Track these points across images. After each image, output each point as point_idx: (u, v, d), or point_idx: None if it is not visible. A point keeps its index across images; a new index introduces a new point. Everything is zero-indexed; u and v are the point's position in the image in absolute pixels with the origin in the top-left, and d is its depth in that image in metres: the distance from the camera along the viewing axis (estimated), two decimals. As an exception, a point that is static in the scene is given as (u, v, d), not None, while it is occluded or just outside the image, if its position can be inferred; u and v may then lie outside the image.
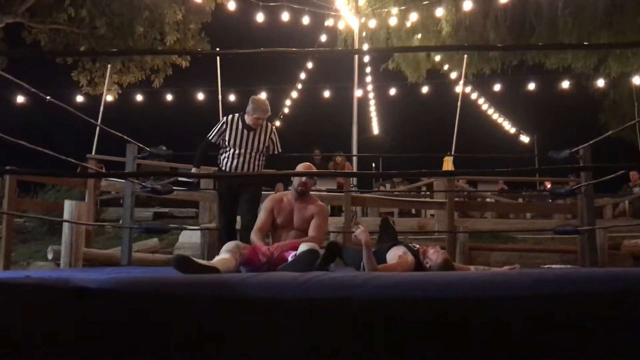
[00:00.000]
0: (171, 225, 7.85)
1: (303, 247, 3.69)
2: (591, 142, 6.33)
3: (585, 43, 10.47)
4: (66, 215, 5.68)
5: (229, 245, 3.78)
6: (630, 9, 10.32)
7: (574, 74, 13.72)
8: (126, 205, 6.00)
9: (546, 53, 12.04)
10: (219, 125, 5.23)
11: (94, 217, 7.76)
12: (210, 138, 5.25)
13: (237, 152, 5.16)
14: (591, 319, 1.82)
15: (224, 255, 3.62)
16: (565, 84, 14.85)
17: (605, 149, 7.26)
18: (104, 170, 9.41)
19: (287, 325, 1.68)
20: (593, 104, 16.42)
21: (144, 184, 5.83)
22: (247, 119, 5.17)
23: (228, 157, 5.22)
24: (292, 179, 4.29)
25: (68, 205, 5.72)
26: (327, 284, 1.73)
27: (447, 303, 1.66)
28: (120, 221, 6.65)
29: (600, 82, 14.30)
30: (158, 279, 1.90)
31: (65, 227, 5.66)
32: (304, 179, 4.19)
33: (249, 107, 5.15)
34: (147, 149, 5.97)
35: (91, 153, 8.50)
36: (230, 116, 5.27)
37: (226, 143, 5.19)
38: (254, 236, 4.11)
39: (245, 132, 5.16)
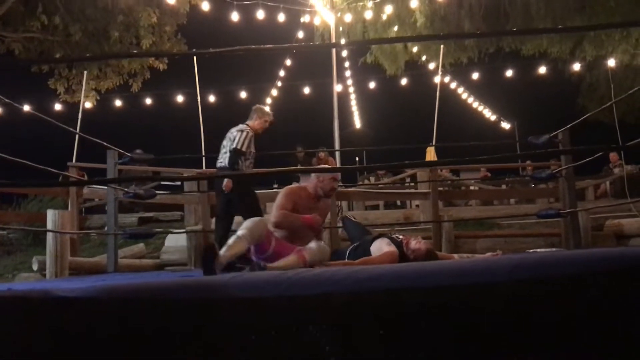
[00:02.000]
0: (156, 229, 7.83)
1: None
2: (569, 125, 6.41)
3: (559, 27, 10.57)
4: (49, 225, 5.65)
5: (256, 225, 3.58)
6: (602, -8, 10.46)
7: (550, 59, 13.85)
8: (110, 212, 5.96)
9: (522, 39, 12.15)
10: (246, 135, 5.61)
11: (78, 225, 7.70)
12: (244, 149, 5.56)
13: (253, 157, 5.72)
14: (573, 301, 1.85)
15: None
16: (543, 70, 14.98)
17: (585, 132, 7.33)
18: (85, 178, 9.34)
19: (273, 323, 1.70)
20: (571, 88, 16.61)
21: (126, 189, 5.80)
22: (257, 125, 5.76)
23: (252, 163, 5.75)
24: (317, 178, 4.10)
25: (51, 214, 5.69)
26: (308, 281, 1.74)
27: (427, 293, 1.69)
28: (105, 228, 6.62)
29: (577, 66, 14.46)
30: (140, 285, 1.90)
31: (49, 236, 5.63)
32: (336, 185, 4.14)
33: (259, 114, 5.84)
34: (128, 154, 5.94)
35: (72, 161, 8.41)
36: (246, 126, 5.73)
37: (250, 150, 5.64)
38: (285, 216, 3.87)
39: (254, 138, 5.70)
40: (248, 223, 3.56)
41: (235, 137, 5.58)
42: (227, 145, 5.68)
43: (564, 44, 12.26)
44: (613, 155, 11.76)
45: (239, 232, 3.49)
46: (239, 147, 5.49)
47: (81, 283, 2.27)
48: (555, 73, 15.13)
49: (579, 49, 12.65)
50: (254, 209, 5.31)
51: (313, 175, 4.21)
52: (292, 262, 3.43)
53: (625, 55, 12.87)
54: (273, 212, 3.96)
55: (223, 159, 5.70)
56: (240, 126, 5.73)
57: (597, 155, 6.77)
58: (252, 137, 5.65)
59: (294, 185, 4.36)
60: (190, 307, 1.73)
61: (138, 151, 6.16)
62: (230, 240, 3.46)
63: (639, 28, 10.89)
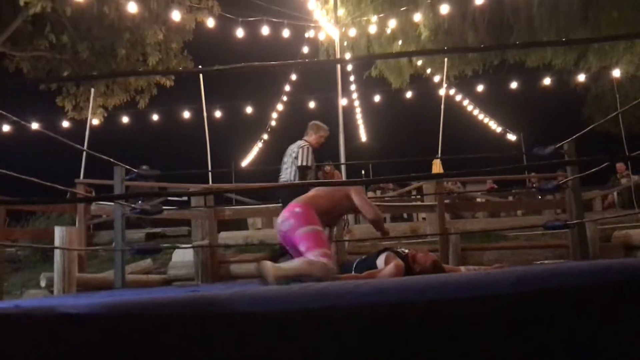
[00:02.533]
0: (163, 244, 7.85)
1: None
2: (575, 136, 6.41)
3: (563, 39, 10.59)
4: (57, 242, 5.68)
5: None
6: (606, 3, 10.46)
7: (555, 71, 13.86)
8: (117, 228, 5.99)
9: (526, 51, 12.17)
10: (307, 151, 5.87)
11: (85, 242, 7.74)
12: (309, 164, 5.81)
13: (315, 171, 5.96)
14: (578, 313, 1.84)
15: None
16: (547, 81, 15.01)
17: (591, 142, 7.31)
18: (92, 195, 9.39)
19: (274, 339, 1.70)
20: (576, 99, 16.59)
21: (133, 205, 5.83)
22: (313, 140, 6.01)
23: (315, 177, 6.01)
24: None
25: (58, 231, 5.72)
26: (311, 295, 1.75)
27: (431, 306, 1.69)
28: (113, 244, 6.64)
29: (582, 77, 14.46)
30: (145, 301, 1.91)
31: (57, 253, 5.66)
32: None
33: (315, 130, 6.10)
34: (135, 170, 5.98)
35: (79, 177, 8.48)
36: (305, 142, 5.98)
37: (313, 164, 5.91)
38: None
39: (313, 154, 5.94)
40: (315, 264, 3.43)
41: (297, 154, 5.85)
42: (288, 162, 5.94)
43: (568, 55, 12.26)
44: (620, 166, 11.72)
45: (309, 259, 3.44)
46: (304, 163, 5.77)
47: (88, 299, 2.29)
48: (560, 84, 15.14)
49: (583, 60, 12.65)
50: None
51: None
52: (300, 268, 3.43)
53: (630, 65, 12.86)
54: (367, 206, 4.02)
55: (286, 175, 5.99)
56: (300, 142, 5.99)
57: (604, 165, 6.75)
58: (312, 151, 5.92)
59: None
60: (196, 322, 1.74)
61: (144, 167, 6.21)
62: (297, 262, 3.49)
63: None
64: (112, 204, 6.64)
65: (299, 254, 3.57)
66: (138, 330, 1.80)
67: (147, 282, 6.96)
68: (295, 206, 3.72)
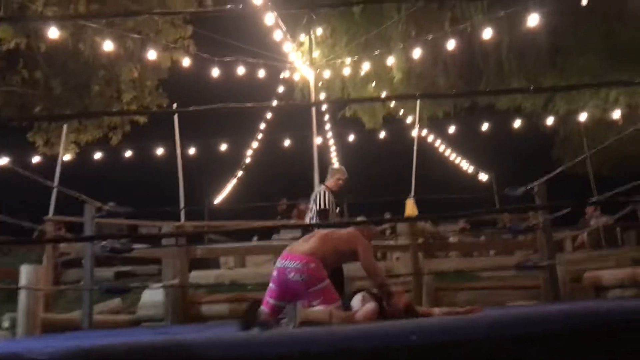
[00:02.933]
0: (133, 284, 7.69)
1: None
2: (545, 178, 6.56)
3: (531, 87, 10.90)
4: (23, 281, 5.53)
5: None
6: (572, 49, 10.83)
7: (524, 113, 14.21)
8: (86, 267, 5.89)
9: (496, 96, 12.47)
10: (324, 195, 6.21)
11: (53, 280, 7.54)
12: (327, 207, 6.11)
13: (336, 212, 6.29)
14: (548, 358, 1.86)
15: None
16: (517, 123, 15.36)
17: (560, 183, 7.48)
18: (62, 231, 9.20)
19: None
20: (545, 141, 16.96)
21: (103, 243, 5.74)
22: (332, 184, 6.38)
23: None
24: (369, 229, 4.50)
25: (25, 270, 5.59)
26: (286, 341, 1.72)
27: (407, 351, 1.68)
28: (81, 282, 6.48)
29: (550, 120, 14.85)
30: (112, 346, 1.86)
31: (22, 293, 5.50)
32: None
33: (332, 174, 6.49)
34: (106, 207, 5.91)
35: (49, 214, 8.31)
36: (324, 186, 6.39)
37: (331, 208, 6.15)
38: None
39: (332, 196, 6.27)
40: (336, 317, 3.55)
41: (317, 198, 6.19)
42: (312, 207, 6.28)
43: (537, 99, 12.61)
44: (589, 207, 11.95)
45: (332, 310, 3.58)
46: (322, 207, 6.07)
47: (53, 343, 2.21)
48: (529, 126, 15.48)
49: (551, 103, 13.01)
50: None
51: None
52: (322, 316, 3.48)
53: (596, 110, 13.28)
54: (374, 268, 4.09)
55: (309, 218, 6.40)
56: (319, 187, 6.45)
57: (573, 207, 6.89)
58: (329, 194, 6.24)
59: (360, 234, 4.34)
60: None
61: (111, 204, 6.17)
62: (319, 309, 3.59)
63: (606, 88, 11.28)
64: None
65: (296, 299, 3.64)
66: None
67: (115, 323, 6.79)
68: (308, 260, 3.73)
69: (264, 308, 3.78)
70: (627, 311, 1.95)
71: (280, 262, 3.86)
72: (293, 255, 3.83)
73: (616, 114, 13.37)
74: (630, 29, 10.21)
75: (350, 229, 4.26)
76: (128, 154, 15.75)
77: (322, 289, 3.68)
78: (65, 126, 10.50)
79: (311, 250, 3.84)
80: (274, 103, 11.84)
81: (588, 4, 9.66)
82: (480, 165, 17.78)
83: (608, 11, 10.08)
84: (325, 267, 3.84)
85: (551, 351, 1.84)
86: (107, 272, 9.88)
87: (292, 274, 3.71)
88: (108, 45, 9.91)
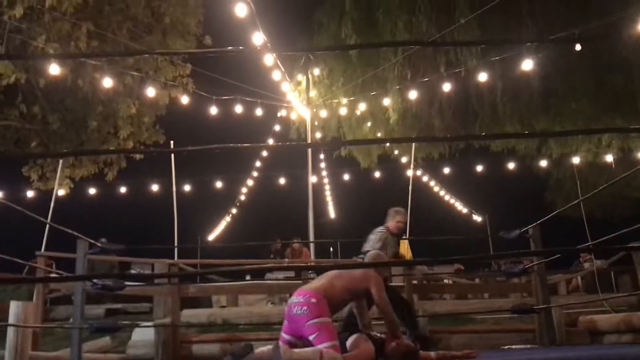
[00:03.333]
0: (123, 322, 7.57)
1: None
2: (539, 221, 6.57)
3: (525, 132, 11.04)
4: (11, 318, 5.43)
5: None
6: (565, 94, 11.02)
7: (518, 155, 14.36)
8: (76, 304, 5.80)
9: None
10: (380, 237, 6.25)
11: (42, 317, 7.42)
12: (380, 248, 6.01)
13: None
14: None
15: None
16: (511, 165, 15.53)
17: (554, 226, 7.51)
18: (53, 267, 9.10)
19: None
20: (539, 183, 17.11)
21: (94, 280, 5.66)
22: (391, 226, 6.46)
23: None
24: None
25: (14, 307, 5.49)
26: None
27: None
28: (70, 320, 6.37)
29: (544, 163, 15.01)
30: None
31: (10, 330, 5.40)
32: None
33: (393, 216, 6.52)
34: (99, 244, 5.86)
35: (41, 249, 8.23)
36: (384, 228, 6.44)
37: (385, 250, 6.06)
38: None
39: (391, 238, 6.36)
40: (325, 356, 3.60)
41: (371, 239, 6.27)
42: (365, 246, 6.28)
43: (531, 142, 12.76)
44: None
45: (320, 349, 3.61)
46: (369, 248, 6.03)
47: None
48: (523, 168, 15.65)
49: (545, 146, 13.18)
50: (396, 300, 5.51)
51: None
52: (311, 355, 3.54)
53: (589, 153, 13.45)
54: (387, 307, 4.17)
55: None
56: (378, 229, 6.44)
57: (568, 251, 6.89)
58: (386, 237, 6.28)
59: (374, 272, 4.37)
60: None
61: (103, 240, 6.12)
62: (309, 351, 3.63)
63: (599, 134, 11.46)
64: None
65: (300, 339, 3.79)
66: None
67: (104, 362, 6.66)
68: (311, 295, 3.86)
69: (281, 343, 3.81)
70: (625, 357, 1.94)
71: (290, 299, 4.04)
72: (300, 291, 3.98)
73: (609, 158, 13.54)
74: (620, 75, 10.42)
75: (366, 270, 4.33)
76: (123, 190, 15.76)
77: (320, 324, 3.72)
78: (60, 161, 10.50)
79: (317, 287, 3.96)
80: (270, 142, 11.92)
81: (579, 52, 9.89)
82: (474, 206, 17.84)
83: (599, 58, 10.30)
84: (331, 305, 3.91)
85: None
86: (98, 310, 9.72)
87: (296, 308, 3.84)
88: (107, 82, 10.01)
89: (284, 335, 3.93)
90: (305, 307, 3.79)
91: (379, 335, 3.99)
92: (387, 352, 3.80)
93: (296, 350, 3.64)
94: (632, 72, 10.26)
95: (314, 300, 3.82)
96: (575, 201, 7.87)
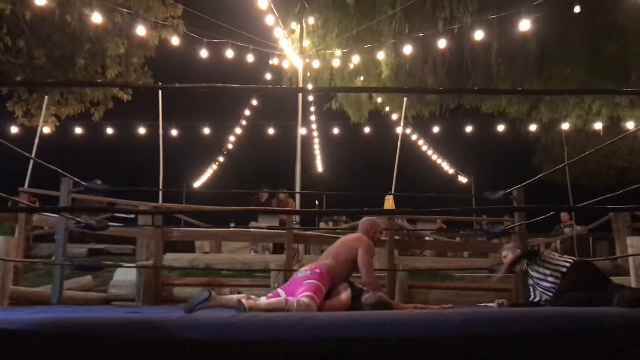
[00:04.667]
0: (106, 262, 7.60)
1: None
2: (524, 183, 6.61)
3: (519, 89, 11.00)
4: (-7, 251, 5.42)
5: None
6: (559, 59, 10.95)
7: (508, 119, 14.35)
8: (59, 241, 5.79)
9: (482, 98, 12.56)
10: None
11: (24, 253, 7.41)
12: None
13: None
14: (521, 357, 1.86)
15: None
16: (501, 128, 15.55)
17: (538, 190, 7.56)
18: (37, 205, 9.05)
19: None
20: (527, 147, 17.16)
21: (78, 219, 5.64)
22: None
23: None
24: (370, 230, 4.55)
25: (-5, 240, 5.46)
26: (259, 325, 1.70)
27: (377, 343, 1.67)
28: (53, 257, 6.38)
29: (533, 127, 15.03)
30: (82, 319, 1.82)
31: (-9, 263, 5.39)
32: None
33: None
34: (83, 183, 5.81)
35: (24, 186, 8.16)
36: None
37: None
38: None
39: None
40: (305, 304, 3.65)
41: None
42: None
43: (522, 105, 12.73)
44: (564, 215, 12.10)
45: (290, 298, 3.69)
46: None
47: (21, 314, 2.17)
48: (512, 132, 15.67)
49: (535, 110, 13.15)
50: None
51: (368, 226, 4.56)
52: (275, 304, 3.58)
53: (579, 119, 13.45)
54: (368, 266, 4.22)
55: None
56: None
57: (549, 214, 6.96)
58: None
59: (366, 238, 4.46)
60: (136, 346, 1.67)
61: (98, 181, 6.04)
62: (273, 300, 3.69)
63: (592, 95, 11.44)
64: (55, 215, 6.42)
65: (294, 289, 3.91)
66: (73, 351, 1.71)
67: (85, 300, 6.71)
68: (319, 267, 4.03)
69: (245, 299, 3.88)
70: (586, 316, 1.97)
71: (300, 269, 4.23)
72: (311, 265, 4.16)
73: (597, 125, 13.57)
74: (615, 43, 10.34)
75: (359, 234, 4.47)
76: (109, 131, 15.58)
77: (312, 283, 3.85)
78: (46, 97, 10.30)
79: (325, 264, 4.14)
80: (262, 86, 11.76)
81: (577, 15, 9.76)
82: (460, 167, 17.92)
83: (596, 25, 10.19)
84: (335, 278, 4.08)
85: (524, 352, 1.85)
86: (80, 249, 9.76)
87: (300, 274, 4.04)
88: (96, 18, 9.74)
89: (279, 291, 4.05)
90: (308, 272, 3.98)
91: (359, 286, 4.06)
92: (362, 301, 3.87)
93: (261, 299, 3.70)
94: (627, 40, 10.19)
95: (318, 270, 3.99)
96: (561, 165, 7.90)
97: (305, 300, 3.62)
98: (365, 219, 4.67)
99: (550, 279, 4.13)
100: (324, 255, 4.42)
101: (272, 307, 3.48)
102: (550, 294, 4.11)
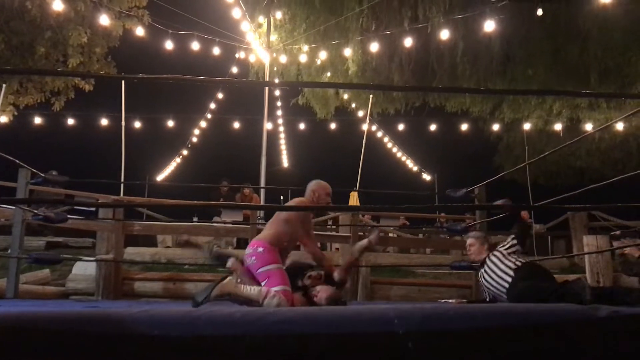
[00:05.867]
0: (64, 255, 7.44)
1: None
2: (485, 182, 6.74)
3: (481, 88, 11.19)
4: (-56, 244, 5.26)
5: None
6: (522, 60, 11.18)
7: (471, 118, 14.59)
8: (15, 233, 5.66)
9: (446, 96, 12.73)
10: None
11: (-23, 246, 7.21)
12: None
13: None
14: (475, 354, 1.89)
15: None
16: (464, 127, 15.80)
17: (499, 188, 7.71)
18: (-8, 196, 8.79)
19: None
20: (489, 146, 17.47)
21: (36, 211, 5.51)
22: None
23: None
24: (313, 194, 4.45)
25: (-53, 232, 5.30)
26: (220, 321, 1.69)
27: (338, 338, 1.68)
28: (9, 250, 6.21)
29: (496, 126, 15.32)
30: (38, 314, 1.78)
31: (-57, 256, 5.23)
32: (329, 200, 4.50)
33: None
34: (41, 174, 5.68)
35: (-22, 177, 7.92)
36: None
37: None
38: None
39: None
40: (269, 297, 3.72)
41: None
42: None
43: (485, 104, 12.95)
44: (524, 214, 12.33)
45: (266, 290, 3.77)
46: None
47: (-28, 309, 2.11)
48: (475, 131, 15.94)
49: (498, 110, 13.41)
50: None
51: (310, 190, 4.47)
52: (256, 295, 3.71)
53: (540, 120, 13.77)
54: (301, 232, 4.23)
55: None
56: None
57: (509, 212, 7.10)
58: None
59: (304, 200, 4.46)
60: (93, 341, 1.64)
61: (54, 172, 5.91)
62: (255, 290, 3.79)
63: (553, 97, 11.72)
64: (12, 207, 6.25)
65: (254, 280, 3.90)
66: (27, 345, 1.67)
67: (42, 294, 6.56)
68: (258, 244, 3.98)
69: (233, 276, 3.97)
70: (546, 313, 2.02)
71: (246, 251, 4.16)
72: (252, 242, 4.14)
73: (558, 126, 13.91)
74: (577, 47, 10.60)
75: (298, 199, 4.54)
76: (70, 122, 15.23)
77: (268, 271, 3.84)
78: (4, 86, 9.99)
79: (262, 236, 4.09)
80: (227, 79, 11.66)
81: (540, 17, 9.98)
82: (424, 164, 18.13)
83: (558, 28, 10.43)
84: (280, 249, 4.04)
85: (477, 346, 1.88)
86: (38, 242, 9.51)
87: (248, 260, 3.97)
88: (58, 5, 9.49)
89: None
90: (254, 257, 3.91)
91: (307, 279, 4.09)
92: (315, 299, 3.93)
93: (244, 286, 3.75)
94: (588, 44, 10.46)
95: (260, 249, 3.93)
96: (522, 164, 8.07)
97: (281, 298, 3.67)
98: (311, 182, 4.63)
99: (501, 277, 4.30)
100: (265, 227, 4.33)
101: (249, 296, 3.61)
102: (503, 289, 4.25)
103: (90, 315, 1.77)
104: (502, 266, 4.36)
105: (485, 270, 4.53)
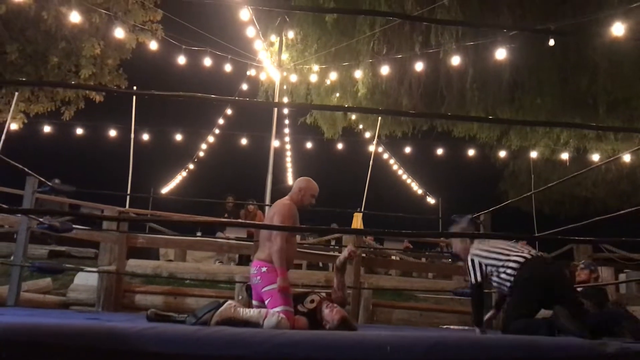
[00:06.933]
0: (67, 265, 7.44)
1: None
2: (491, 209, 6.74)
3: (489, 117, 11.21)
4: (-51, 249, 5.27)
5: None
6: (530, 88, 11.20)
7: (478, 143, 14.61)
8: (19, 241, 5.66)
9: (454, 122, 12.76)
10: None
11: (-19, 252, 7.22)
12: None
13: None
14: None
15: None
16: (471, 152, 15.83)
17: (504, 216, 7.71)
18: (-3, 202, 8.83)
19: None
20: (495, 173, 17.48)
21: (41, 219, 5.52)
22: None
23: None
24: (299, 191, 4.36)
25: (-48, 238, 5.32)
26: (227, 340, 1.69)
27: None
28: (12, 257, 6.22)
29: (502, 153, 15.34)
30: (39, 325, 1.77)
31: (-54, 261, 5.24)
32: (313, 201, 4.42)
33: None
34: (49, 183, 5.70)
35: (-14, 183, 7.96)
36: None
37: None
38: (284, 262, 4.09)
39: None
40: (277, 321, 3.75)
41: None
42: None
43: (492, 131, 12.97)
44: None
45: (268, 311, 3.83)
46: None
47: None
48: (481, 156, 15.97)
49: (505, 137, 13.43)
50: None
51: (297, 188, 4.41)
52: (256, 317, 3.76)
53: (547, 149, 13.79)
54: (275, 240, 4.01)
55: None
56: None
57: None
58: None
59: (286, 202, 4.32)
60: (95, 356, 1.63)
61: (56, 181, 5.94)
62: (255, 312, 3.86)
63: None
64: (18, 215, 6.27)
65: (259, 299, 4.03)
66: (27, 358, 1.66)
67: (43, 303, 6.56)
68: (261, 265, 4.02)
69: (230, 302, 3.97)
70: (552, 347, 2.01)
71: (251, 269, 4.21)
72: (254, 262, 4.16)
73: (564, 155, 13.92)
74: (586, 78, 10.64)
75: (281, 200, 4.42)
76: (79, 131, 15.32)
77: (272, 290, 3.90)
78: (16, 93, 10.07)
79: (264, 256, 4.08)
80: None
81: (551, 48, 10.03)
82: (429, 188, 18.13)
83: (568, 59, 10.47)
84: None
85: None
86: (41, 250, 9.54)
87: (254, 279, 4.06)
88: (74, 17, 9.61)
89: (254, 302, 4.16)
90: (258, 277, 4.00)
91: (313, 303, 4.09)
92: (324, 323, 3.91)
93: (242, 309, 3.80)
94: (597, 74, 10.49)
95: (264, 269, 4.00)
96: (527, 193, 8.07)
97: (281, 317, 3.71)
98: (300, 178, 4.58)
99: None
100: (261, 243, 4.23)
101: (249, 319, 3.65)
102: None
103: (93, 329, 1.77)
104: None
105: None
